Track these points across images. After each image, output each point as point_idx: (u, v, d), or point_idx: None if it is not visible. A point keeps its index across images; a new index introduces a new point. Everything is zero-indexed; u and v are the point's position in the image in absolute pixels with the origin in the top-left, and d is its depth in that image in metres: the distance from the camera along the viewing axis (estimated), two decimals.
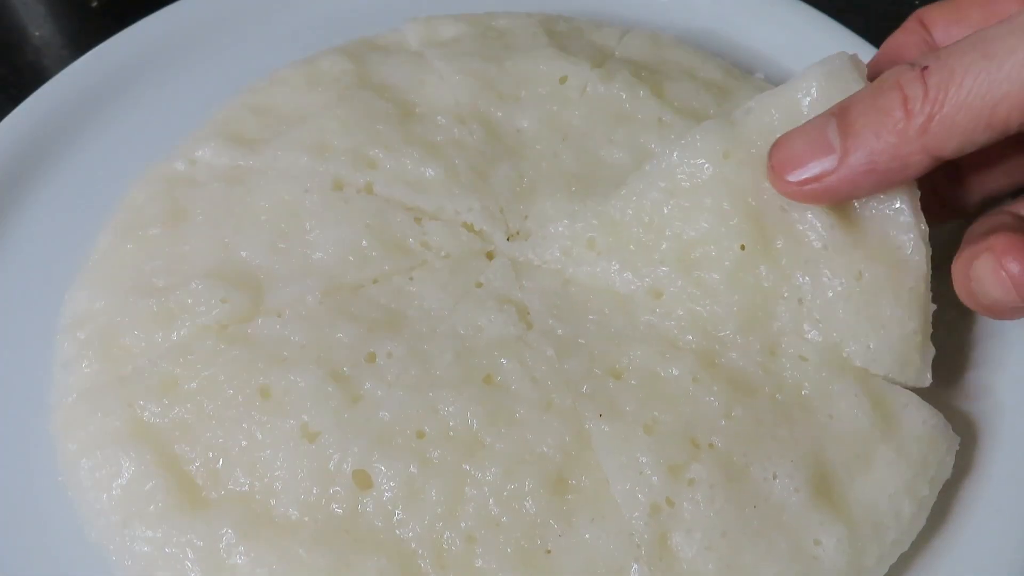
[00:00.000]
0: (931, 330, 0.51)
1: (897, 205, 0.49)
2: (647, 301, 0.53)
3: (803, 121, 0.49)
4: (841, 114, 0.46)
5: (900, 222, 0.50)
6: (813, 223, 0.50)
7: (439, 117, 0.62)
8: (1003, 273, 0.46)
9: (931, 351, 0.51)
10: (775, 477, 0.47)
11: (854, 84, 0.50)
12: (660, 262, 0.52)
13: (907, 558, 0.50)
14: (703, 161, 0.51)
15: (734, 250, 0.50)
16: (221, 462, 0.48)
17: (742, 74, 0.69)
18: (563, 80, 0.64)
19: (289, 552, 0.45)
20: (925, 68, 0.43)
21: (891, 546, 0.48)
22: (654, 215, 0.53)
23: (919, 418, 0.51)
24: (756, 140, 0.51)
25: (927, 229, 0.50)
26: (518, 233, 0.58)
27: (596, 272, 0.54)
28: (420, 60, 0.66)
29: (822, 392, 0.50)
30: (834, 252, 0.50)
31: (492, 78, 0.64)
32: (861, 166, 0.45)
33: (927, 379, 0.51)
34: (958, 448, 0.52)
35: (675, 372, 0.50)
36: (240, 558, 0.46)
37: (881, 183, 0.47)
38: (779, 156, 0.48)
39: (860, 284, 0.50)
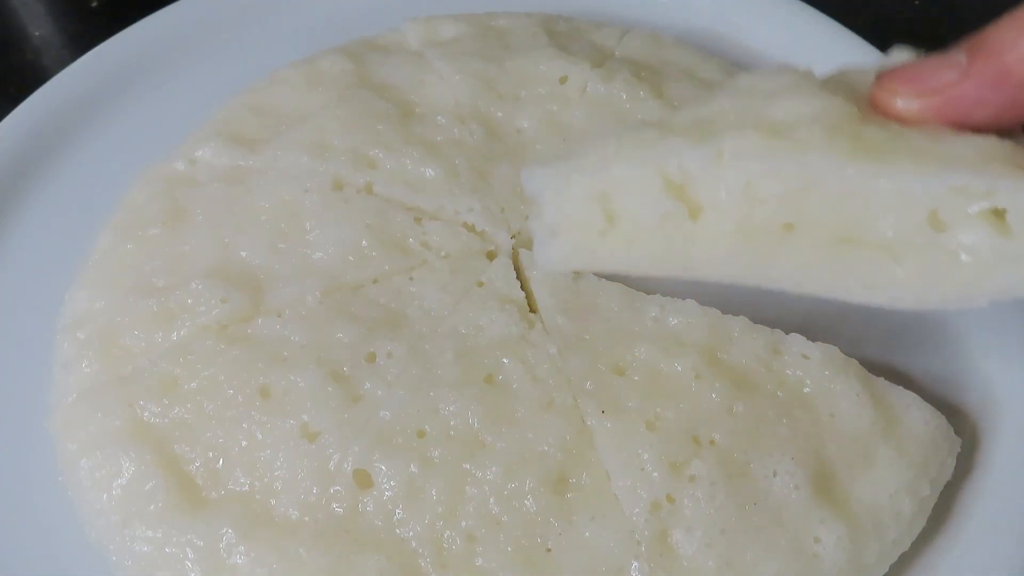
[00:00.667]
0: None
1: None
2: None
3: None
4: (972, 40, 0.40)
5: None
6: None
7: (439, 117, 0.62)
8: None
9: None
10: (775, 474, 0.47)
11: None
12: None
13: (908, 557, 0.50)
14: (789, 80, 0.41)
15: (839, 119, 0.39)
16: (221, 462, 0.48)
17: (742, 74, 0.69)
18: (563, 80, 0.64)
19: (289, 552, 0.45)
20: None
21: (891, 545, 0.48)
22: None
23: (920, 419, 0.51)
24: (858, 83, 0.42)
25: None
26: (520, 233, 0.58)
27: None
28: (420, 60, 0.66)
29: (823, 391, 0.50)
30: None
31: (492, 78, 0.64)
32: (990, 75, 0.38)
33: None
34: (959, 450, 0.52)
35: (678, 368, 0.50)
36: (240, 558, 0.46)
37: (1012, 102, 0.39)
38: (891, 72, 0.41)
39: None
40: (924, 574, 0.50)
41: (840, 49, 0.72)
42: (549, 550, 0.45)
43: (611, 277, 0.55)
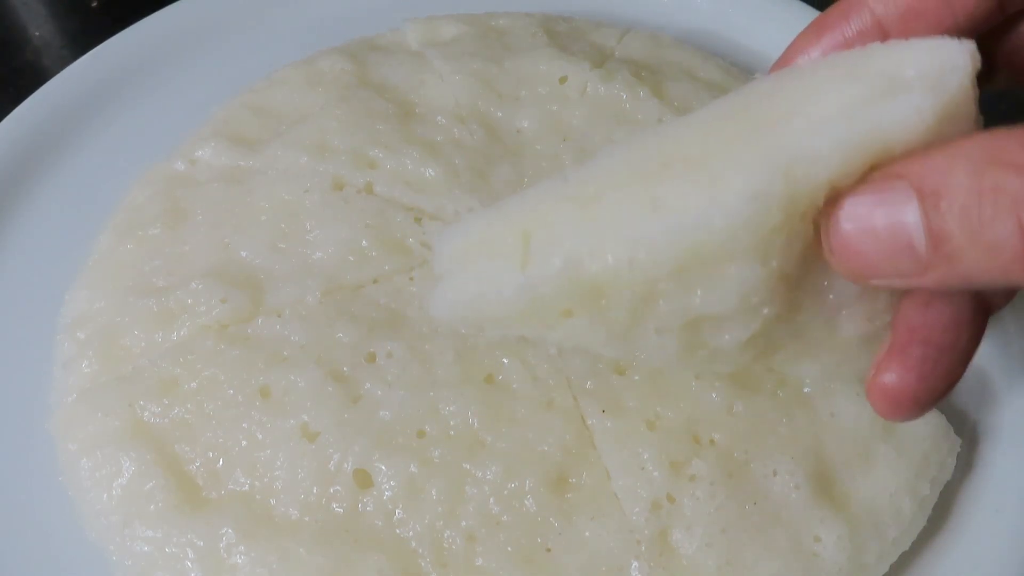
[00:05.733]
0: None
1: None
2: None
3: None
4: (928, 200, 0.29)
5: None
6: None
7: (439, 117, 0.62)
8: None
9: None
10: (775, 474, 0.47)
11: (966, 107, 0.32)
12: None
13: (908, 557, 0.50)
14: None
15: None
16: (221, 462, 0.48)
17: (742, 74, 0.69)
18: (563, 80, 0.64)
19: (289, 552, 0.45)
20: None
21: (891, 544, 0.48)
22: None
23: (920, 418, 0.50)
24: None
25: None
26: None
27: None
28: (420, 60, 0.66)
29: (823, 390, 0.50)
30: None
31: (492, 78, 0.64)
32: (955, 280, 0.30)
33: None
34: (959, 449, 0.52)
35: (678, 367, 0.50)
36: (240, 558, 0.45)
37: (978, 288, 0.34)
38: (848, 260, 0.32)
39: None
40: (924, 574, 0.50)
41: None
42: (549, 550, 0.45)
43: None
